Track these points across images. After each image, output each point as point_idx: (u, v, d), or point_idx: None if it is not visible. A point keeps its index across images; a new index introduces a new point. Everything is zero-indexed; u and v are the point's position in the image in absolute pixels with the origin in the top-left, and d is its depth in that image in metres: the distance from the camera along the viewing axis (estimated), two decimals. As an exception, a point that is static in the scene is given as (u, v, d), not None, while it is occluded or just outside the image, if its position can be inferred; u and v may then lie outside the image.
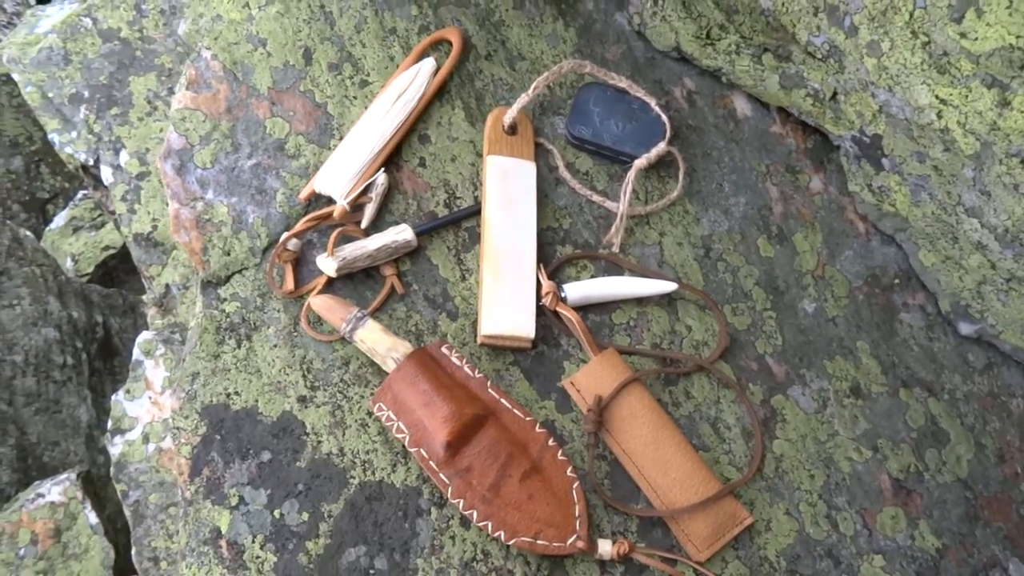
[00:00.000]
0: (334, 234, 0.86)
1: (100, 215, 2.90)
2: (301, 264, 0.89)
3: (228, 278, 0.88)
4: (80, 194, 3.00)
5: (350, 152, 0.90)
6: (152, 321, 1.60)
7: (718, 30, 0.95)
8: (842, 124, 0.94)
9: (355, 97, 0.95)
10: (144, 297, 1.68)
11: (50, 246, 2.77)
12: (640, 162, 0.92)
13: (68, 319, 2.25)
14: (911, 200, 0.91)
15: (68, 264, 2.71)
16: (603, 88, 0.96)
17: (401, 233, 0.87)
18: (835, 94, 0.93)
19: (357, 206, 0.89)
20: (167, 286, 1.58)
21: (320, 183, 0.89)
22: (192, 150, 0.92)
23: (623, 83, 0.96)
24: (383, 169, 0.90)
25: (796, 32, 0.91)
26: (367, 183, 0.89)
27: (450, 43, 0.98)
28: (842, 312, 0.93)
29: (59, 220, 2.92)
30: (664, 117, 0.95)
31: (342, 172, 0.88)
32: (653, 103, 0.95)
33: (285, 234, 0.87)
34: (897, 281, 0.96)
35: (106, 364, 2.33)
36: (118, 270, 2.80)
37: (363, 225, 0.89)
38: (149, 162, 1.63)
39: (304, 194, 0.89)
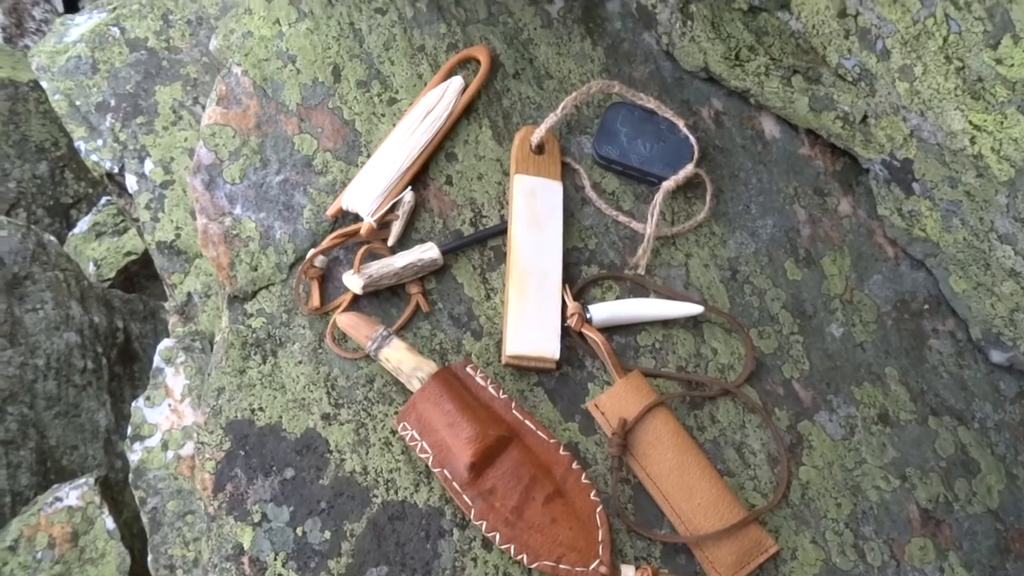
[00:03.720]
0: (361, 251, 0.86)
1: (122, 221, 2.93)
2: (327, 280, 0.89)
3: (255, 293, 0.88)
4: (103, 200, 3.03)
5: (378, 170, 0.90)
6: (173, 329, 1.61)
7: (747, 51, 0.95)
8: (872, 147, 0.93)
9: (383, 114, 0.95)
10: (165, 304, 1.69)
11: (73, 251, 2.80)
12: (668, 184, 0.92)
13: (90, 324, 2.27)
14: (942, 225, 0.89)
15: (90, 269, 2.74)
16: (631, 108, 0.96)
17: (427, 251, 0.87)
18: (865, 117, 0.92)
19: (384, 223, 0.89)
20: (189, 294, 1.59)
21: (348, 200, 0.89)
22: (221, 165, 0.92)
23: (651, 103, 0.95)
24: (410, 187, 0.90)
25: (827, 54, 0.91)
26: (394, 201, 0.89)
27: (478, 61, 0.98)
28: (870, 337, 0.92)
29: (82, 225, 2.95)
30: (692, 138, 0.94)
31: (370, 189, 0.89)
32: (681, 124, 0.95)
33: (312, 251, 0.87)
34: (927, 307, 0.94)
35: (126, 369, 2.34)
36: (139, 276, 2.83)
37: (390, 243, 0.89)
38: (173, 171, 1.64)
39: (331, 211, 0.90)
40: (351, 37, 0.98)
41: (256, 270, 0.88)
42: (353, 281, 0.85)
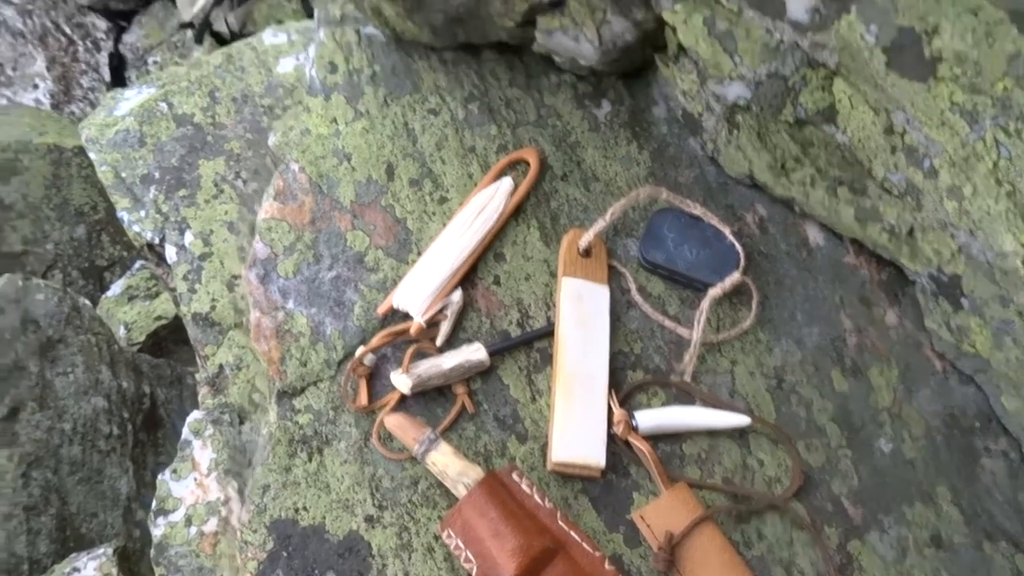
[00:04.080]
0: (410, 351, 0.87)
1: (155, 285, 2.98)
2: (374, 377, 0.89)
3: (303, 389, 0.89)
4: (137, 264, 3.09)
5: (429, 269, 0.91)
6: (203, 400, 1.61)
7: (793, 162, 0.97)
8: (919, 260, 0.93)
9: (434, 213, 0.97)
10: (196, 375, 1.70)
11: (105, 314, 2.84)
12: (715, 292, 0.92)
13: (118, 389, 2.28)
14: (993, 343, 0.89)
15: (121, 332, 2.77)
16: (677, 214, 0.98)
17: (475, 353, 0.88)
18: (912, 230, 0.93)
19: (433, 323, 0.90)
20: (221, 366, 1.59)
21: (399, 299, 0.90)
22: (276, 260, 0.94)
23: (697, 210, 0.97)
24: (459, 287, 0.92)
25: (872, 168, 0.92)
26: (444, 301, 0.90)
27: (527, 163, 1.00)
28: (920, 454, 0.91)
29: (116, 288, 2.99)
30: (738, 246, 0.95)
31: (421, 289, 0.90)
32: (727, 231, 0.96)
33: (362, 348, 0.88)
34: (978, 424, 0.93)
35: (149, 436, 2.34)
36: (168, 340, 2.85)
37: (438, 342, 0.90)
38: (212, 243, 1.67)
39: (382, 309, 0.91)
40: (405, 136, 1.01)
41: (305, 366, 0.89)
42: (402, 381, 0.86)
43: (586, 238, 0.94)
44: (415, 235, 0.96)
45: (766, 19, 0.86)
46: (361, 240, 0.95)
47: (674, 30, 0.94)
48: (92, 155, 1.99)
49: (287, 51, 2.21)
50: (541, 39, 1.00)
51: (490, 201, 0.96)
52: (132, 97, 2.16)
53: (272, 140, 1.04)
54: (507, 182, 0.98)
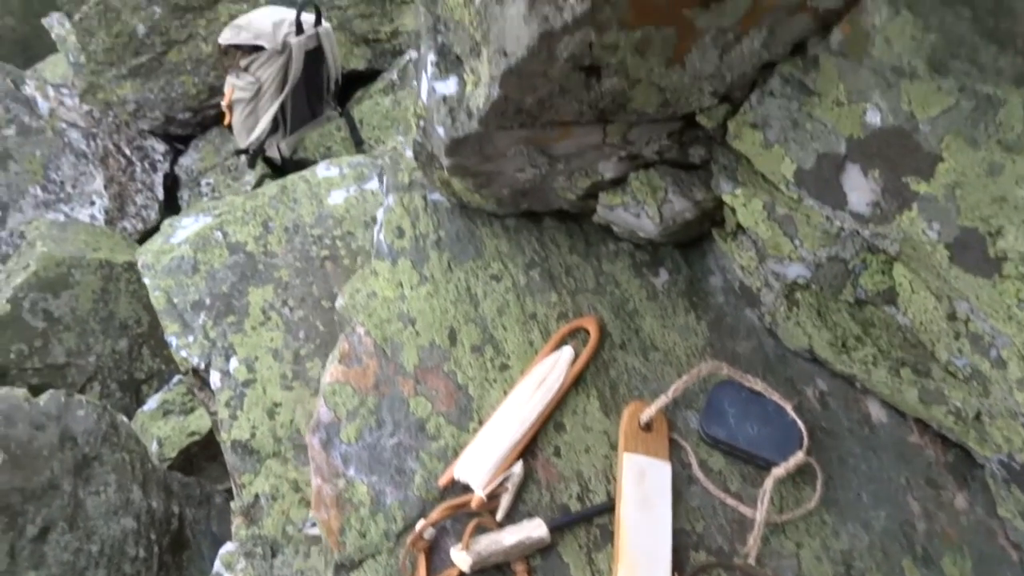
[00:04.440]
0: (470, 526, 0.86)
1: (191, 400, 3.00)
2: (433, 550, 0.88)
3: (361, 562, 0.88)
4: (176, 378, 3.12)
5: (490, 440, 0.92)
6: (237, 531, 1.59)
7: (854, 340, 0.97)
8: (988, 446, 0.92)
9: (495, 380, 0.99)
10: (232, 504, 1.68)
11: (139, 427, 2.85)
12: (779, 472, 0.91)
13: (147, 509, 2.26)
14: (1072, 539, 0.86)
15: (153, 447, 2.77)
16: (738, 388, 0.98)
17: (536, 529, 0.87)
18: (979, 415, 0.92)
19: (493, 495, 0.90)
20: (256, 496, 1.58)
21: (460, 471, 0.90)
22: (339, 425, 0.95)
23: (758, 386, 0.97)
24: (520, 458, 0.92)
25: (936, 351, 0.93)
26: (505, 473, 0.90)
27: (587, 331, 1.02)
28: (1001, 655, 0.87)
29: (152, 403, 3.02)
30: (800, 423, 0.95)
31: (482, 461, 0.90)
32: (789, 408, 0.96)
33: (422, 522, 0.87)
34: (1061, 625, 0.89)
35: (175, 558, 2.30)
36: (199, 456, 2.85)
37: (498, 517, 0.89)
38: (256, 370, 1.69)
39: (443, 480, 0.91)
40: (468, 302, 1.04)
41: (364, 537, 0.89)
42: (461, 558, 0.84)
43: (647, 413, 0.94)
44: (476, 402, 0.97)
45: (826, 208, 0.89)
46: (423, 406, 0.96)
47: (733, 211, 0.97)
48: (146, 280, 2.05)
49: (338, 184, 2.31)
50: (602, 212, 1.04)
51: (551, 371, 0.97)
52: (189, 225, 2.25)
53: (340, 302, 1.07)
54: (568, 351, 0.99)
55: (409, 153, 1.12)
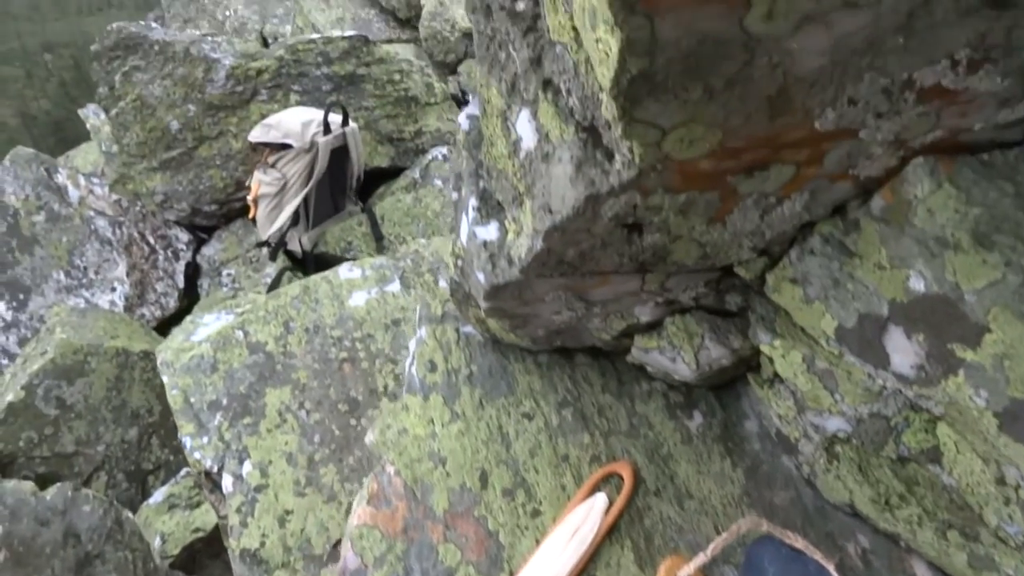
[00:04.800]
0: None
1: (197, 494, 2.94)
2: None
3: None
4: (183, 472, 3.08)
5: (523, 597, 0.88)
6: (240, 649, 1.53)
7: (897, 499, 0.95)
8: (1043, 618, 0.88)
9: (527, 527, 0.96)
10: (237, 618, 1.63)
11: (143, 521, 2.79)
12: (824, 642, 0.87)
13: (146, 614, 2.20)
14: None
15: (156, 543, 2.71)
16: (778, 545, 0.95)
17: None
18: (1032, 585, 0.88)
19: (524, 659, 0.86)
20: (263, 611, 1.53)
21: (491, 631, 0.87)
22: (366, 572, 0.92)
23: (799, 543, 0.94)
24: (553, 617, 0.88)
25: (984, 515, 0.90)
26: (537, 635, 0.86)
27: (621, 477, 1.00)
28: None
29: (157, 496, 2.97)
30: (844, 586, 0.91)
31: (514, 621, 0.86)
32: (831, 567, 0.93)
33: None
34: None
35: (172, 663, 2.22)
36: (203, 553, 2.78)
37: None
38: (269, 474, 1.66)
39: (473, 641, 0.87)
40: (499, 442, 1.02)
41: None
42: None
43: (685, 572, 0.91)
44: (507, 551, 0.94)
45: (868, 366, 0.88)
46: (453, 554, 0.94)
47: (771, 360, 0.96)
48: (165, 378, 2.04)
49: (360, 285, 2.32)
50: (636, 354, 1.04)
51: (584, 521, 0.94)
52: (211, 323, 2.25)
53: (369, 438, 1.05)
54: (601, 500, 0.97)
55: (443, 284, 1.13)
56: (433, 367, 1.10)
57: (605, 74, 0.51)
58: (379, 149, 3.35)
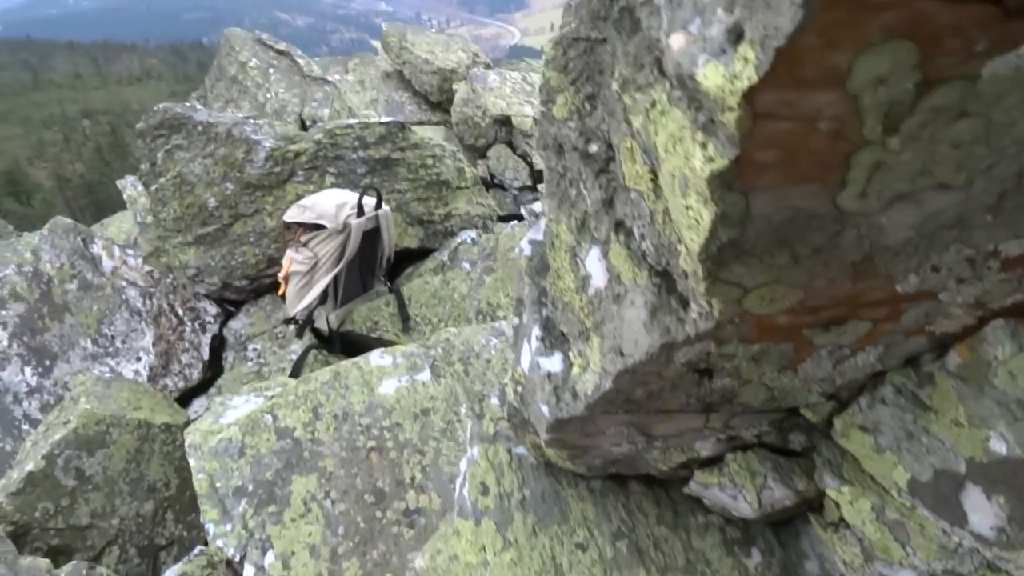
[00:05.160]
0: None
1: (210, 573, 2.88)
2: None
3: None
4: (196, 549, 3.02)
5: None
6: None
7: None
8: None
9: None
10: None
11: (153, 603, 2.73)
12: None
13: None
14: None
15: (165, 628, 2.64)
16: None
17: None
18: None
19: None
20: None
21: None
22: None
23: None
24: None
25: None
26: None
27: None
28: None
29: (170, 574, 2.90)
30: None
31: None
32: None
33: None
34: None
35: None
36: (212, 639, 2.70)
37: None
38: (292, 566, 1.63)
39: None
40: (552, 573, 0.99)
41: None
42: None
43: None
44: None
45: (943, 522, 0.84)
46: None
47: (837, 505, 0.93)
48: (192, 461, 2.03)
49: (391, 373, 2.32)
50: (695, 488, 1.01)
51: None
52: (240, 406, 2.25)
53: (419, 563, 1.03)
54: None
55: (494, 401, 1.12)
56: (485, 490, 1.08)
57: (694, 239, 0.52)
58: (409, 230, 3.40)
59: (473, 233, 3.33)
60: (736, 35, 0.42)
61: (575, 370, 0.81)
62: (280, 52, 4.73)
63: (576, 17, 0.71)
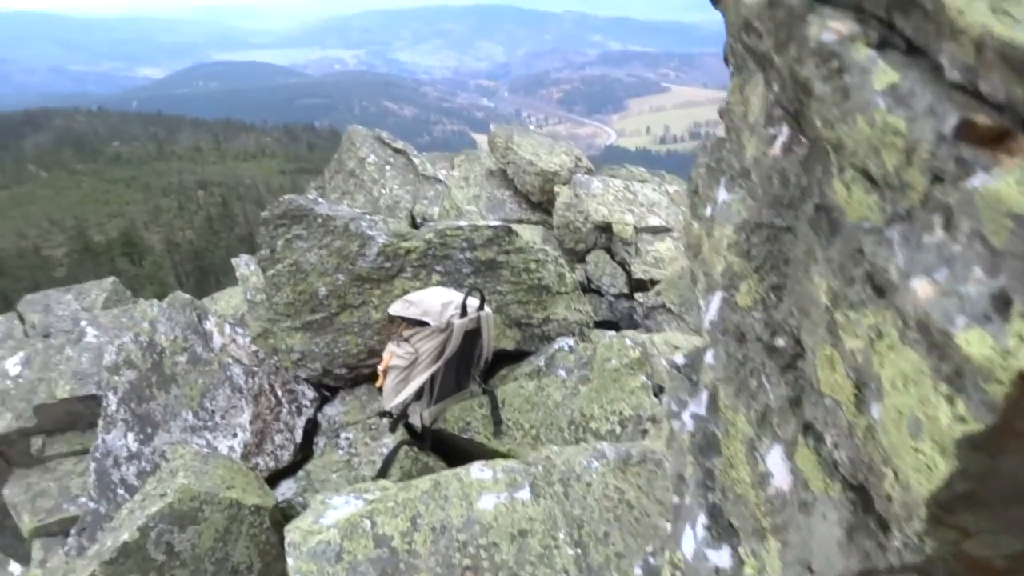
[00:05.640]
0: None
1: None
2: None
3: None
4: (272, 639, 2.99)
5: None
6: None
7: None
8: None
9: None
10: None
11: None
12: None
13: None
14: None
15: None
16: None
17: None
18: None
19: None
20: None
21: None
22: None
23: None
24: None
25: None
26: None
27: None
28: None
29: (243, 663, 2.87)
30: None
31: None
32: None
33: None
34: None
35: None
36: None
37: None
38: None
39: None
40: None
41: None
42: None
43: None
44: None
45: None
46: None
47: None
48: (290, 560, 2.03)
49: (490, 488, 2.29)
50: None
51: None
52: (340, 506, 2.25)
53: None
54: None
55: (638, 572, 1.08)
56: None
57: (922, 483, 0.50)
58: (507, 332, 3.43)
59: (571, 340, 3.33)
60: (1003, 302, 0.41)
61: (747, 571, 0.77)
62: (397, 150, 4.98)
63: (756, 199, 0.71)
